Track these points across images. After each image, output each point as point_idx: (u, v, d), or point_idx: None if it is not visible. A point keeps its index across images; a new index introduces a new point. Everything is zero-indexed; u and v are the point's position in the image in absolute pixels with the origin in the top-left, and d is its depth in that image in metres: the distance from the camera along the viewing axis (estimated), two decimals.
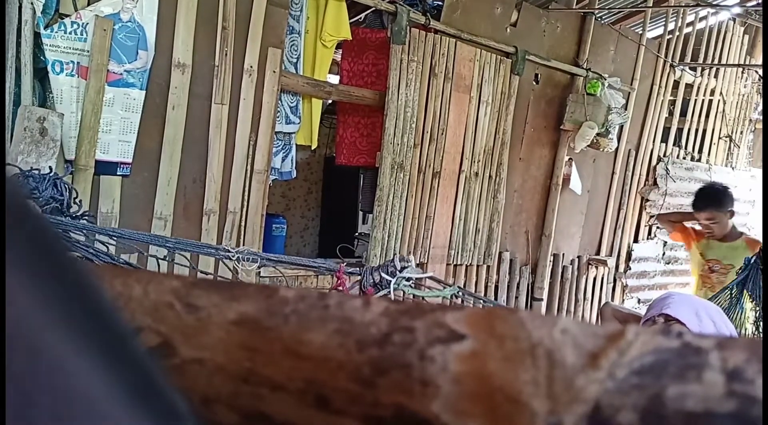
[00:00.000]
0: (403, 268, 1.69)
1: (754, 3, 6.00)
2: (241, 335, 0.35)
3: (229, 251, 1.98)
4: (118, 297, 0.38)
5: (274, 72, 3.39)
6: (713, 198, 3.55)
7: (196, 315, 0.36)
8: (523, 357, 0.29)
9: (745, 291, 3.91)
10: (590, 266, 5.46)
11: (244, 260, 1.95)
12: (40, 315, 0.22)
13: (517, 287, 4.94)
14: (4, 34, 2.54)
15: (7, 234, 0.22)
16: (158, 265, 2.08)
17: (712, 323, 1.75)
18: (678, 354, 0.28)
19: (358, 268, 1.74)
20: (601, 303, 5.46)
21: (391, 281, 1.60)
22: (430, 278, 1.92)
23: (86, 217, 1.77)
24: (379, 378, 0.31)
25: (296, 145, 3.82)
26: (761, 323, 3.84)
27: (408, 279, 1.65)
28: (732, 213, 3.56)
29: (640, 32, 5.36)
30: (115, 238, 1.93)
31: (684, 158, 6.00)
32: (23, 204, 0.24)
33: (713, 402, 0.26)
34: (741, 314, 3.90)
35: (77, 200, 1.79)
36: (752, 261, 3.89)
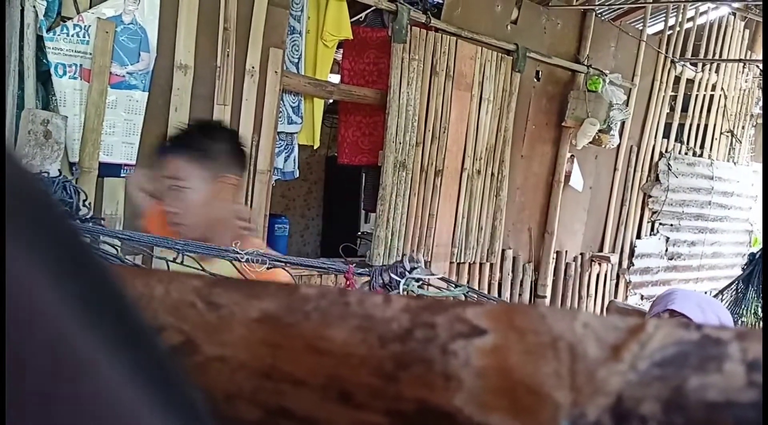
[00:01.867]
0: (412, 269, 1.69)
1: None
2: (263, 332, 0.35)
3: (238, 253, 1.99)
4: (140, 298, 0.38)
5: (276, 72, 3.40)
6: (190, 138, 1.68)
7: (218, 313, 0.37)
8: (544, 351, 0.30)
9: (750, 286, 3.91)
10: (593, 263, 5.46)
11: (253, 261, 1.95)
12: (60, 310, 0.22)
13: (521, 284, 4.95)
14: (4, 35, 2.54)
15: (29, 230, 0.22)
16: (168, 267, 2.08)
17: (716, 318, 1.76)
18: (698, 346, 0.28)
19: (367, 269, 1.74)
20: (606, 301, 5.47)
21: (400, 282, 1.60)
22: (440, 279, 1.92)
23: (94, 221, 1.77)
24: (402, 372, 0.32)
25: (298, 144, 3.83)
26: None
27: (417, 280, 1.65)
28: (236, 184, 1.70)
29: (641, 28, 5.36)
30: (122, 240, 1.93)
31: (686, 154, 6.00)
32: (46, 201, 0.25)
33: (734, 393, 0.26)
34: (747, 309, 3.89)
35: (86, 203, 1.79)
36: (757, 256, 3.88)
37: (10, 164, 0.23)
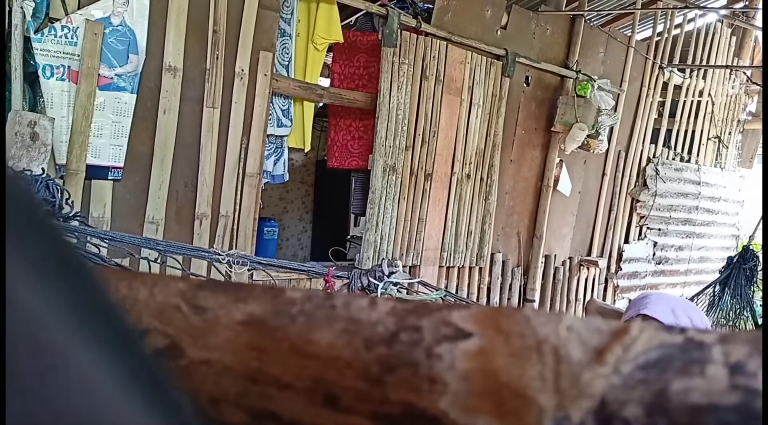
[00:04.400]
0: (391, 273, 1.70)
1: (741, 5, 6.07)
2: (248, 335, 0.35)
3: (219, 254, 1.98)
4: (124, 300, 0.38)
5: (266, 75, 3.39)
6: None
7: (203, 316, 0.36)
8: (529, 354, 0.30)
9: (726, 289, 3.96)
10: (582, 267, 5.49)
11: (234, 263, 1.95)
12: (46, 314, 0.22)
13: (510, 288, 4.96)
14: (4, 35, 2.52)
15: (16, 233, 0.22)
16: (149, 268, 2.07)
17: (688, 320, 1.76)
18: (681, 349, 0.28)
19: (346, 272, 1.74)
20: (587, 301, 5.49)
21: (378, 285, 1.60)
22: (419, 283, 1.93)
23: (78, 218, 1.76)
24: (387, 376, 0.31)
25: (289, 148, 3.82)
26: (741, 321, 3.88)
27: (396, 284, 1.66)
28: None
29: (629, 34, 5.40)
30: (107, 241, 1.92)
31: (673, 159, 6.04)
32: (32, 204, 0.24)
33: (717, 396, 0.27)
34: (723, 311, 3.92)
35: (69, 201, 1.78)
36: (735, 260, 3.92)
37: None
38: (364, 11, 3.92)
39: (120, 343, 0.25)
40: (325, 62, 4.14)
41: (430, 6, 4.11)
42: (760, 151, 6.78)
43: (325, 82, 4.45)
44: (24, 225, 0.23)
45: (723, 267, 4.25)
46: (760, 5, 5.70)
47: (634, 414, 0.27)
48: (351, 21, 4.55)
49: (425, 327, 0.32)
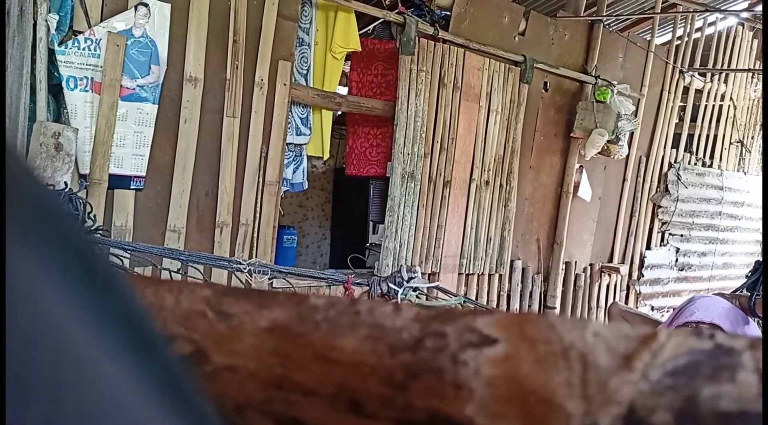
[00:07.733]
0: (410, 279, 1.70)
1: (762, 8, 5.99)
2: (272, 342, 0.35)
3: (240, 263, 2.00)
4: (150, 307, 0.38)
5: (285, 84, 3.42)
6: None
7: (228, 322, 0.37)
8: (556, 360, 0.29)
9: (755, 294, 3.87)
10: (603, 274, 5.43)
11: (255, 272, 1.96)
12: (70, 316, 0.22)
13: (530, 295, 4.92)
14: (4, 36, 2.57)
15: (41, 237, 0.22)
16: (171, 278, 2.09)
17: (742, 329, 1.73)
18: (711, 355, 0.28)
19: (366, 279, 1.75)
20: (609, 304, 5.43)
21: (398, 291, 1.61)
22: (437, 288, 1.93)
23: (100, 232, 1.79)
24: (412, 382, 0.31)
25: (308, 156, 3.84)
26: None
27: (415, 289, 1.66)
28: None
29: (649, 39, 5.36)
30: (129, 251, 1.94)
31: (695, 164, 5.97)
32: (56, 207, 0.25)
33: (747, 403, 0.26)
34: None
35: (92, 215, 1.81)
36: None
37: (22, 173, 0.23)
38: (382, 19, 3.93)
39: (147, 350, 0.26)
40: (343, 70, 4.16)
41: (448, 13, 4.11)
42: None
43: (344, 91, 4.47)
44: (47, 230, 0.23)
45: (750, 272, 4.17)
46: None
47: (663, 421, 0.27)
48: (369, 29, 4.57)
49: (450, 334, 0.32)
